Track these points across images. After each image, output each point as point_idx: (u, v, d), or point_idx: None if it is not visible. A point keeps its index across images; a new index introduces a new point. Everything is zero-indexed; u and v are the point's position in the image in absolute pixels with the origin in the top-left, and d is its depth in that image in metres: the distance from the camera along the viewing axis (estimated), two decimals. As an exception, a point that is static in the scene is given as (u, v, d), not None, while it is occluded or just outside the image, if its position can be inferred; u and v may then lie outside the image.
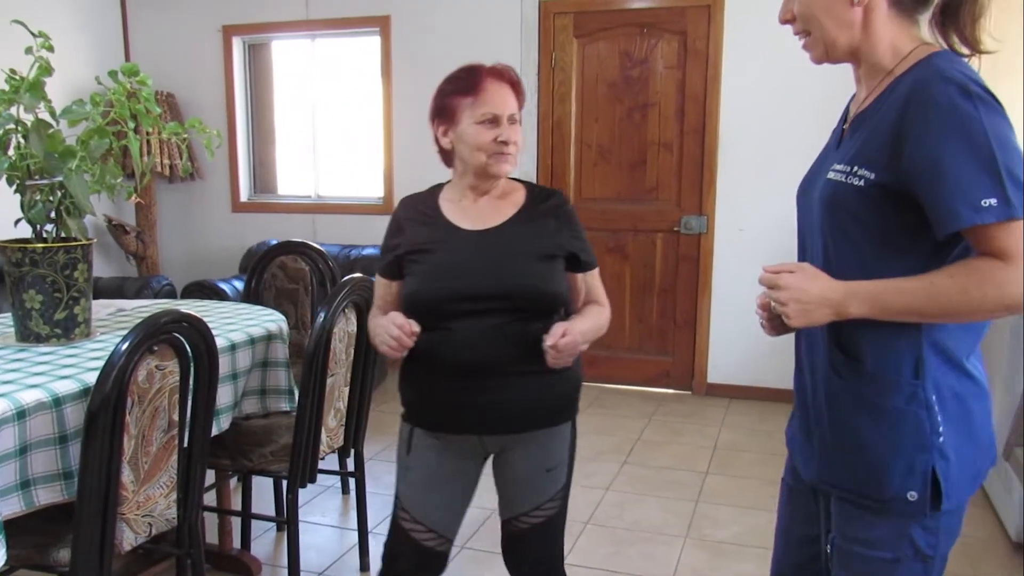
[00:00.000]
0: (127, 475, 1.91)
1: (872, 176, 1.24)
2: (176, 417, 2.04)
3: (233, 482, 3.11)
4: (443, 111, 1.80)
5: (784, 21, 1.39)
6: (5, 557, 1.70)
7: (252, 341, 2.44)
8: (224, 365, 2.26)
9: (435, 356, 1.77)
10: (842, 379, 1.33)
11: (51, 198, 2.19)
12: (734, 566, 2.87)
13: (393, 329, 1.69)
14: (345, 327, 2.53)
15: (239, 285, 4.80)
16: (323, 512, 3.31)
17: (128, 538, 1.96)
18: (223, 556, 2.82)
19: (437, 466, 1.85)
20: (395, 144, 5.32)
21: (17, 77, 2.13)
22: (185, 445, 2.10)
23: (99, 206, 4.89)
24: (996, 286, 1.15)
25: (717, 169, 4.73)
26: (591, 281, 1.89)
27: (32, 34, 2.13)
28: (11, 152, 2.16)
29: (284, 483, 2.59)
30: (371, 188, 5.55)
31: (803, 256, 1.44)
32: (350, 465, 3.03)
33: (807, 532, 1.50)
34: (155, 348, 1.91)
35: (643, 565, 2.87)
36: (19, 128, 2.14)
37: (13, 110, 2.12)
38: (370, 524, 3.00)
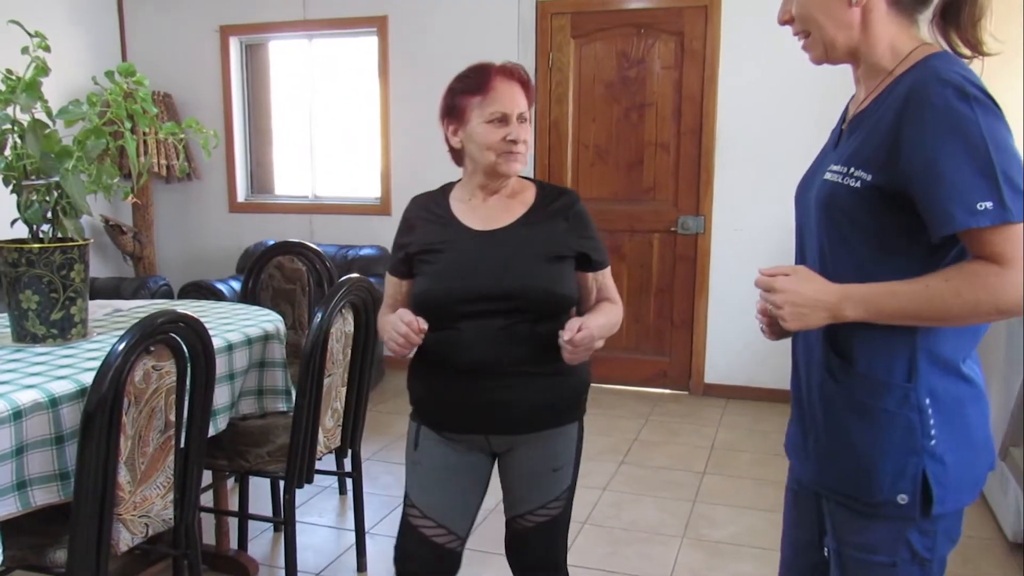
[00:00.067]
0: (124, 476, 1.91)
1: (869, 177, 1.24)
2: (173, 418, 2.04)
3: (230, 483, 3.11)
4: (453, 110, 1.80)
5: (783, 22, 1.38)
6: (1, 558, 1.70)
7: (249, 341, 2.44)
8: (221, 365, 2.25)
9: (443, 355, 1.78)
10: (836, 381, 1.33)
11: (47, 198, 2.19)
12: (731, 566, 2.87)
13: (401, 326, 1.70)
14: (342, 327, 2.52)
15: (236, 285, 4.80)
16: (320, 513, 3.30)
17: (125, 539, 1.96)
18: (220, 557, 2.82)
19: (445, 460, 1.85)
20: (392, 144, 5.32)
21: (13, 77, 2.13)
22: (182, 446, 2.10)
23: (96, 206, 4.86)
24: (990, 290, 1.14)
25: (714, 169, 4.74)
26: (603, 280, 1.89)
27: (28, 34, 2.12)
28: (7, 152, 2.16)
29: (281, 484, 2.59)
30: (368, 188, 5.55)
31: (801, 256, 1.44)
32: (347, 465, 3.03)
33: (813, 537, 1.49)
34: (152, 348, 1.91)
35: (640, 565, 2.87)
36: (15, 128, 2.14)
37: (9, 110, 2.12)
38: (367, 524, 2.99)
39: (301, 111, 5.66)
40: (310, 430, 2.46)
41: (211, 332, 2.10)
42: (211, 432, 2.23)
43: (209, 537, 2.84)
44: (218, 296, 4.70)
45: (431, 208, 1.88)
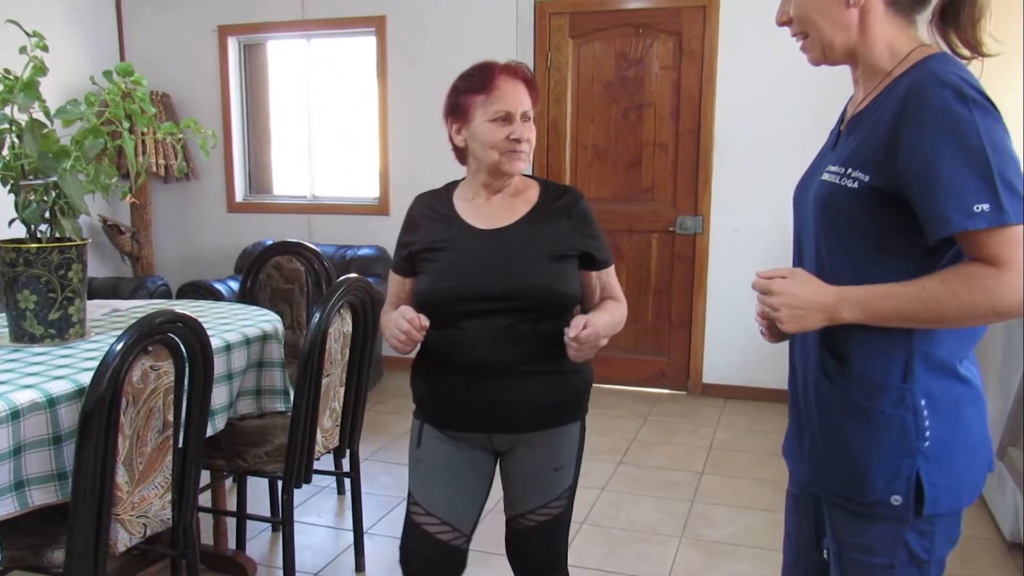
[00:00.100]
0: (122, 476, 1.91)
1: (866, 178, 1.24)
2: (171, 418, 2.04)
3: (228, 483, 3.11)
4: (456, 109, 1.80)
5: (781, 23, 1.38)
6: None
7: (247, 341, 2.44)
8: (219, 365, 2.25)
9: (446, 354, 1.78)
10: (832, 383, 1.33)
11: (45, 198, 2.19)
12: (729, 566, 2.87)
13: (403, 323, 1.70)
14: (340, 327, 2.52)
15: (234, 285, 4.79)
16: (318, 513, 3.30)
17: (123, 539, 1.96)
18: (218, 557, 2.81)
19: (448, 458, 1.86)
20: (391, 144, 5.32)
21: (11, 77, 2.13)
22: (180, 446, 2.09)
23: (94, 206, 4.87)
24: (987, 292, 1.14)
25: (712, 170, 4.74)
26: (607, 279, 1.89)
27: (26, 34, 2.12)
28: (5, 152, 2.16)
29: (279, 484, 2.59)
30: (367, 188, 5.55)
31: (798, 257, 1.44)
32: (345, 465, 3.03)
33: (813, 539, 1.50)
34: (150, 348, 1.91)
35: (639, 565, 2.87)
36: (13, 128, 2.14)
37: (7, 110, 2.12)
38: (365, 525, 2.99)
39: (299, 111, 5.66)
40: (308, 430, 2.46)
41: (209, 332, 2.10)
42: (209, 432, 2.23)
43: (207, 537, 2.84)
44: (216, 296, 4.70)
45: (435, 206, 1.88)
